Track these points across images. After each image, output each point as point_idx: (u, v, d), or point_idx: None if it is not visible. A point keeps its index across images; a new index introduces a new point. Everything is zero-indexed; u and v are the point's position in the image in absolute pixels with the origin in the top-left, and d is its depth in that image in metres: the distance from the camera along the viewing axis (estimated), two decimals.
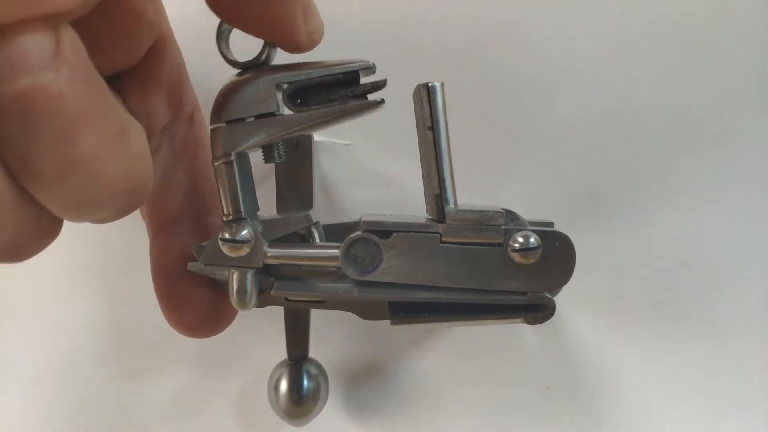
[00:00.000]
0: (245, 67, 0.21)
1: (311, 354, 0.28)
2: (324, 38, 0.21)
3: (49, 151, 0.14)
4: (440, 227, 0.20)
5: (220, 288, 0.23)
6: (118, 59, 0.20)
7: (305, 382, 0.27)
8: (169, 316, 0.23)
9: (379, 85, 0.21)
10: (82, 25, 0.17)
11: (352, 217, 0.26)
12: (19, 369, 0.31)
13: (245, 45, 0.21)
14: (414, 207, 0.31)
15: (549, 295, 0.21)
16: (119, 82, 0.21)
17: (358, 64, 0.21)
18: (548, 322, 0.21)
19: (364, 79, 0.21)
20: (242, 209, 0.21)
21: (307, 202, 0.25)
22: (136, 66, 0.21)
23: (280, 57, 0.21)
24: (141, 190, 0.18)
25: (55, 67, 0.14)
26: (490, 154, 0.30)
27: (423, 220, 0.21)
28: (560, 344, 0.31)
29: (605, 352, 0.31)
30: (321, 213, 0.29)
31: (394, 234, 0.21)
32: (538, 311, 0.21)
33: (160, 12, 0.21)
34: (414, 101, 0.21)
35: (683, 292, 0.31)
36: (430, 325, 0.23)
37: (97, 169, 0.15)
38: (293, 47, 0.20)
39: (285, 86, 0.20)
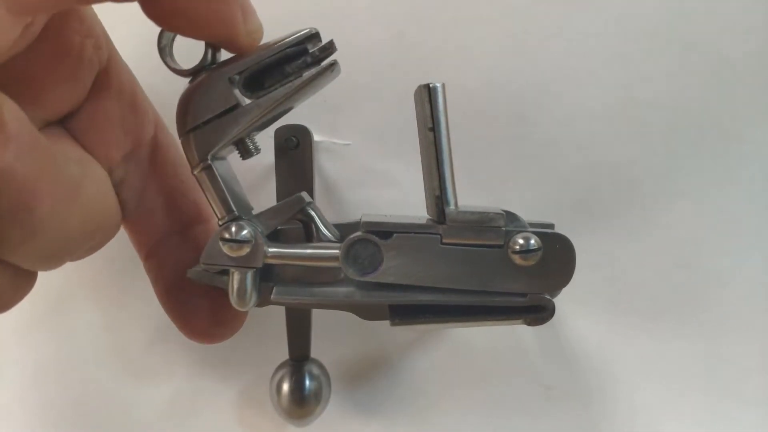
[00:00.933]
0: (194, 73, 0.21)
1: (312, 354, 0.28)
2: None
3: (10, 221, 0.15)
4: (441, 228, 0.20)
5: (224, 293, 0.23)
6: (63, 103, 0.20)
7: (307, 383, 0.27)
8: (181, 327, 0.23)
9: (328, 48, 0.21)
10: (21, 76, 0.17)
11: (352, 217, 0.26)
12: (19, 369, 0.31)
13: (191, 54, 0.21)
14: (414, 207, 0.31)
15: (549, 297, 0.21)
16: (70, 122, 0.21)
17: (301, 33, 0.21)
18: (548, 322, 0.21)
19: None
20: (234, 209, 0.21)
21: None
22: (84, 102, 0.21)
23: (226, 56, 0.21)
24: (107, 228, 0.18)
25: (2, 142, 0.14)
26: (490, 154, 0.30)
27: (423, 221, 0.21)
28: (560, 344, 0.31)
29: (605, 352, 0.31)
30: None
31: (395, 235, 0.21)
32: (538, 313, 0.21)
33: (100, 43, 0.21)
34: (415, 102, 0.21)
35: (683, 292, 0.31)
36: (430, 326, 0.23)
37: (57, 226, 0.16)
38: (234, 47, 0.20)
39: (237, 78, 0.20)
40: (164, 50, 0.21)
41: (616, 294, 0.31)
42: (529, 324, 0.21)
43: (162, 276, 0.23)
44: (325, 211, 0.23)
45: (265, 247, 0.21)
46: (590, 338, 0.31)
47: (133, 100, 0.22)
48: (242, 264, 0.21)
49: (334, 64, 0.21)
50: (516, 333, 0.31)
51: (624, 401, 0.31)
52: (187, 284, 0.22)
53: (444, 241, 0.20)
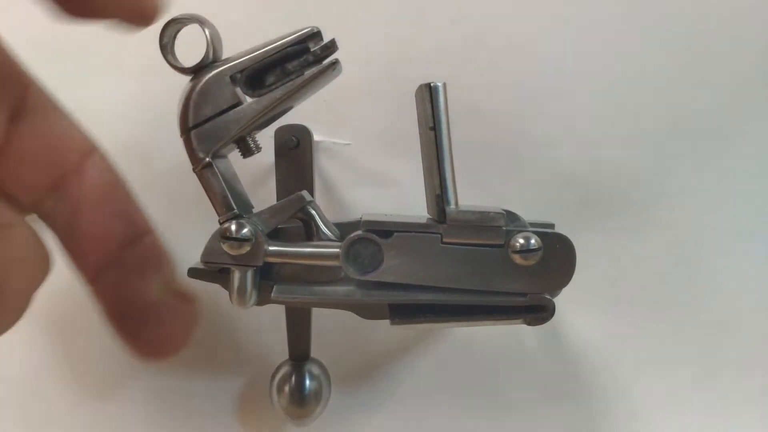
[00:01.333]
0: (195, 71, 0.21)
1: (312, 353, 0.28)
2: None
3: None
4: (441, 228, 0.20)
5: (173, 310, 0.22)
6: None
7: (307, 382, 0.27)
8: (135, 347, 0.21)
9: (329, 47, 0.21)
10: None
11: (352, 217, 0.26)
12: (19, 368, 0.31)
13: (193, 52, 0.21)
14: (414, 207, 0.31)
15: (549, 297, 0.21)
16: None
17: (303, 31, 0.21)
18: (548, 321, 0.21)
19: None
20: (234, 207, 0.21)
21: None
22: None
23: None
24: (33, 284, 0.18)
25: None
26: (490, 154, 0.30)
27: (424, 221, 0.21)
28: (560, 344, 0.31)
29: (605, 351, 0.31)
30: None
31: (395, 234, 0.21)
32: (538, 312, 0.21)
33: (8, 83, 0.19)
34: (416, 101, 0.21)
35: (683, 292, 0.31)
36: (430, 325, 0.23)
37: None
38: (141, 21, 0.18)
39: (238, 76, 0.20)
40: (166, 47, 0.21)
41: (616, 294, 0.31)
42: (529, 324, 0.21)
43: (110, 298, 0.21)
44: (325, 211, 0.23)
45: (266, 246, 0.21)
46: (590, 338, 0.31)
47: (54, 131, 0.21)
48: (242, 262, 0.21)
49: (335, 63, 0.21)
50: (516, 332, 0.31)
51: (624, 401, 0.31)
52: (135, 306, 0.21)
53: (444, 240, 0.20)
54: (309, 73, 0.20)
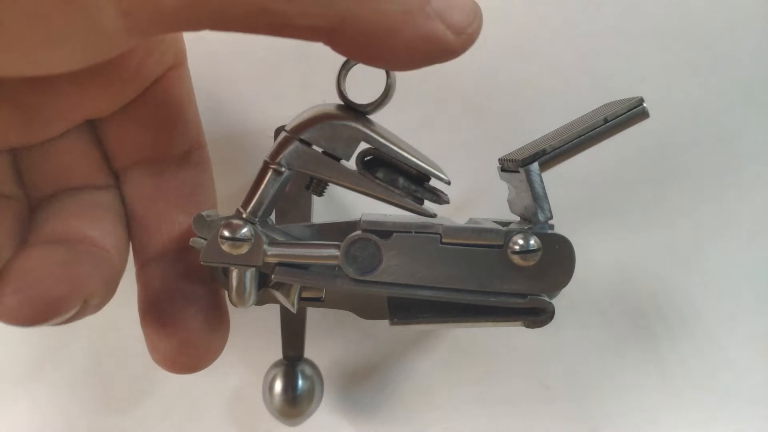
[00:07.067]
0: (348, 106, 0.21)
1: (306, 354, 0.28)
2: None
3: None
4: (440, 228, 0.20)
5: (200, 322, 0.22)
6: (99, 108, 0.21)
7: (300, 382, 0.27)
8: (153, 343, 0.22)
9: (441, 201, 0.21)
10: (69, 78, 0.16)
11: (352, 217, 0.26)
12: (18, 368, 0.31)
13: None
14: None
15: (548, 299, 0.21)
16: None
17: (436, 172, 0.21)
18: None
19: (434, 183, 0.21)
20: (259, 216, 0.21)
21: (305, 215, 0.25)
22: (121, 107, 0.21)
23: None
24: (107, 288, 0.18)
25: None
26: (491, 154, 0.30)
27: (423, 221, 0.21)
28: (560, 344, 0.31)
29: (605, 352, 0.31)
30: (321, 213, 0.29)
31: (394, 234, 0.21)
32: (538, 315, 0.21)
33: (164, 57, 0.21)
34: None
35: (683, 293, 0.31)
36: (429, 327, 0.23)
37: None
38: (445, 57, 0.17)
39: (367, 149, 0.21)
40: (345, 66, 0.21)
41: (616, 294, 0.31)
42: (528, 326, 0.21)
43: (144, 293, 0.22)
44: (325, 211, 0.23)
45: (265, 246, 0.21)
46: (589, 338, 0.31)
47: (174, 115, 0.22)
48: (241, 262, 0.21)
49: (432, 216, 0.21)
50: (515, 333, 0.31)
51: (623, 401, 0.31)
52: (168, 304, 0.22)
53: (443, 240, 0.20)
54: (408, 203, 0.21)
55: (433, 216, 0.21)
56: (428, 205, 0.21)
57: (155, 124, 0.22)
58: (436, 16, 0.16)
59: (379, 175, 0.21)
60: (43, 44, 0.13)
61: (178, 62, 0.22)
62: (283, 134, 0.21)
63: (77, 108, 0.21)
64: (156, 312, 0.22)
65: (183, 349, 0.21)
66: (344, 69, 0.21)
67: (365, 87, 0.20)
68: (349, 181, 0.21)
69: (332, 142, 0.20)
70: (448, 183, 0.21)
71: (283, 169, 0.20)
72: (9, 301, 0.16)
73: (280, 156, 0.20)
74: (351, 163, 0.21)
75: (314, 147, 0.20)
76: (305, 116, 0.21)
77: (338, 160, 0.20)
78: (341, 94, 0.21)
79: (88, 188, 0.22)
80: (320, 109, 0.21)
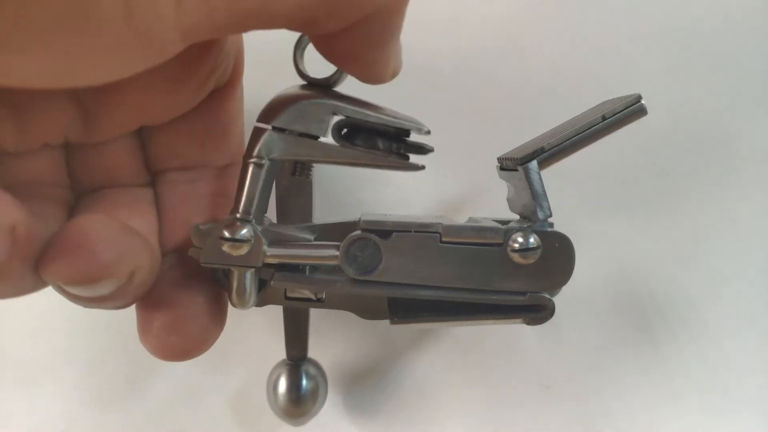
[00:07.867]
0: (312, 83, 0.21)
1: (310, 354, 0.28)
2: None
3: None
4: (440, 227, 0.20)
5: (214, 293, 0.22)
6: (156, 117, 0.21)
7: (304, 382, 0.27)
8: (147, 321, 0.21)
9: (425, 150, 0.21)
10: (130, 85, 0.17)
11: (352, 217, 0.26)
12: (18, 369, 0.31)
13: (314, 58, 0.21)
14: (414, 207, 0.31)
15: (548, 296, 0.21)
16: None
17: (413, 124, 0.21)
18: (548, 321, 0.21)
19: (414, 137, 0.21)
20: (252, 212, 0.21)
21: (306, 214, 0.25)
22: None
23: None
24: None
25: None
26: (490, 153, 0.30)
27: (423, 220, 0.21)
28: (560, 344, 0.31)
29: (604, 351, 0.31)
30: (321, 213, 0.29)
31: (394, 234, 0.21)
32: (538, 312, 0.21)
33: (225, 72, 0.21)
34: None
35: (683, 292, 0.31)
36: (430, 325, 0.23)
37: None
38: (376, 83, 0.20)
39: (340, 120, 0.21)
40: (300, 43, 0.21)
41: (616, 293, 0.31)
42: (528, 323, 0.21)
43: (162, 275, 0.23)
44: (325, 211, 0.23)
45: (265, 247, 0.21)
46: (589, 337, 0.31)
47: (222, 130, 0.23)
48: (241, 263, 0.21)
49: (420, 168, 0.21)
50: (516, 332, 0.31)
51: (623, 400, 0.31)
52: (167, 286, 0.21)
53: (443, 239, 0.20)
54: (393, 160, 0.21)
55: (422, 168, 0.21)
56: (415, 158, 0.21)
57: (203, 137, 0.23)
58: (394, 54, 0.20)
59: (358, 142, 0.21)
60: (108, 60, 0.14)
61: (235, 78, 0.23)
62: (253, 127, 0.21)
63: (137, 116, 0.21)
64: (153, 294, 0.21)
65: (176, 328, 0.21)
66: (299, 47, 0.21)
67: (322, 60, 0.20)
68: (331, 156, 0.21)
69: (305, 123, 0.20)
70: (428, 133, 0.21)
71: (263, 161, 0.20)
72: (61, 262, 0.16)
73: (256, 148, 0.20)
74: (329, 140, 0.21)
75: (288, 132, 0.20)
76: (272, 103, 0.21)
77: (316, 138, 0.20)
78: (300, 72, 0.21)
79: (129, 185, 0.23)
80: (285, 93, 0.21)
